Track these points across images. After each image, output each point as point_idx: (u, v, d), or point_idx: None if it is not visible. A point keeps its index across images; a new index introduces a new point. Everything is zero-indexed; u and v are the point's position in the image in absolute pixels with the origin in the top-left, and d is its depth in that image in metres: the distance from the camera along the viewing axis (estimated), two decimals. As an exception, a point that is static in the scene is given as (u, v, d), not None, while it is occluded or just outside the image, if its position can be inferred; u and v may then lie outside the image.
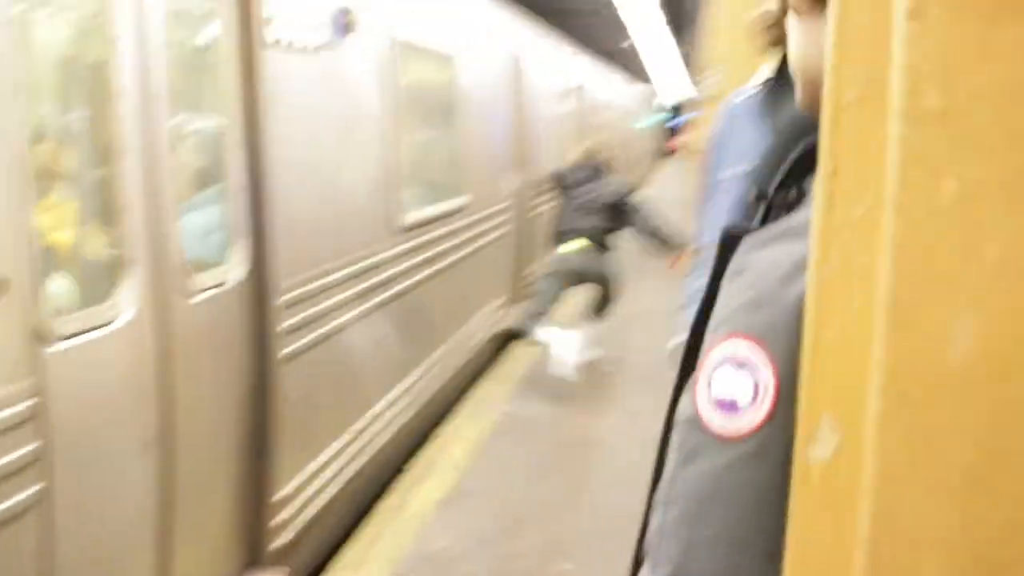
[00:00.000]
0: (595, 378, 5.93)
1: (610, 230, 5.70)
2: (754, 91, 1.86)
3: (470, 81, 5.71)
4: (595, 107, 13.26)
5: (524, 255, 7.53)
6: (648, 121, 31.17)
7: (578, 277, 5.71)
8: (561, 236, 5.73)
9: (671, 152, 47.80)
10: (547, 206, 8.16)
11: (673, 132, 47.10)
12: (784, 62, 1.29)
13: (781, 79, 1.75)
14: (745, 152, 1.73)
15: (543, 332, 5.62)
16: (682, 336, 0.89)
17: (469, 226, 5.67)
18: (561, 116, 9.43)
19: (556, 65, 9.23)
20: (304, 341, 3.19)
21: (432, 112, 4.87)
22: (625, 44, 21.01)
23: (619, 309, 6.14)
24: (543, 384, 5.76)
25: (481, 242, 6.00)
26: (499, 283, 6.68)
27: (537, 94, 8.06)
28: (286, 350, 3.05)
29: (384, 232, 3.94)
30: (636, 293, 7.23)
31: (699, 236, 2.10)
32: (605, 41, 21.27)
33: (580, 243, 5.65)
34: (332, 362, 3.46)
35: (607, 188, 5.76)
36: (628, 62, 26.58)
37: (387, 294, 3.98)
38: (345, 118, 3.60)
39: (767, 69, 1.85)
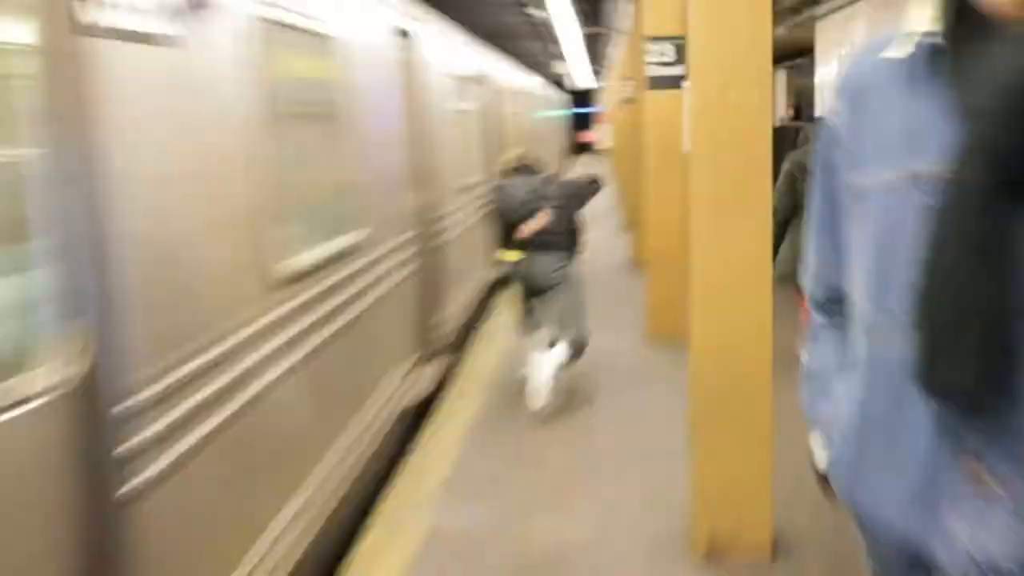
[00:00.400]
0: (558, 460, 5.56)
1: (564, 232, 6.41)
2: (902, 49, 1.49)
3: (356, 67, 5.36)
4: (499, 97, 13.23)
5: (430, 298, 7.24)
6: (556, 111, 31.42)
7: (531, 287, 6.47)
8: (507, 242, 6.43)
9: (585, 146, 48.25)
10: (455, 230, 7.95)
11: (585, 123, 47.53)
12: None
13: (962, 25, 1.37)
14: (901, 144, 1.45)
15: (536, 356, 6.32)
16: None
17: (368, 268, 5.27)
18: (462, 110, 9.30)
19: (451, 44, 9.06)
20: (154, 471, 2.73)
21: (311, 113, 4.56)
22: (522, 20, 20.88)
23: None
24: (479, 475, 5.33)
25: (383, 288, 5.61)
26: (405, 339, 6.28)
27: (434, 82, 7.83)
28: (129, 486, 2.58)
29: (254, 289, 3.57)
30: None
31: (828, 276, 1.76)
32: (500, 17, 21.13)
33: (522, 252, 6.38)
34: (196, 495, 2.99)
35: (550, 189, 6.47)
36: (527, 43, 26.58)
37: (262, 381, 3.61)
38: (200, 130, 3.17)
39: (918, 19, 1.46)
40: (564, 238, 6.43)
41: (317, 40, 4.69)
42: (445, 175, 8.02)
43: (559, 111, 33.99)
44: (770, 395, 4.06)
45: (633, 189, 12.06)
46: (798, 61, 26.15)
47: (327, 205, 4.88)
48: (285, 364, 3.83)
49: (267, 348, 3.66)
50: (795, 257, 6.13)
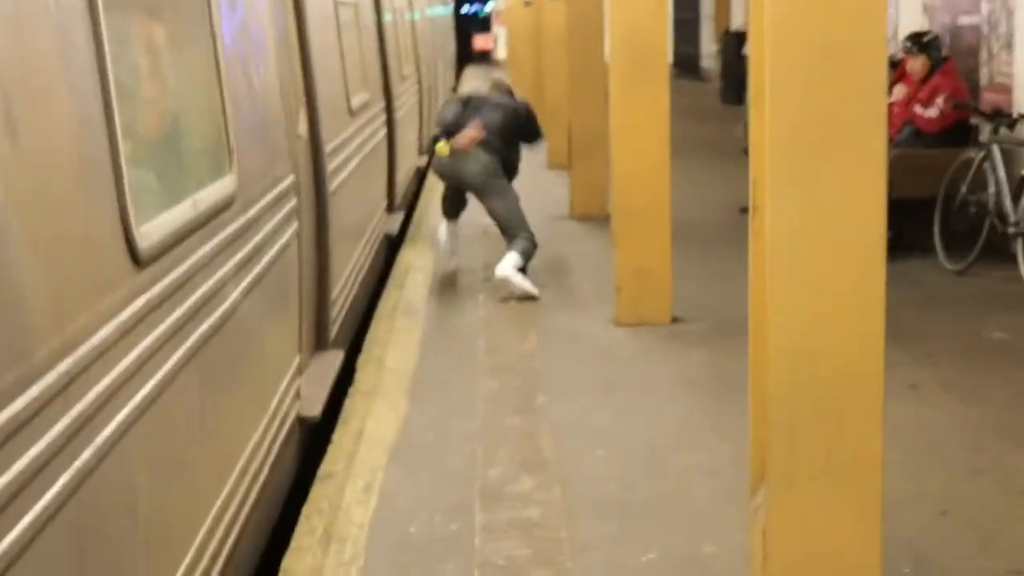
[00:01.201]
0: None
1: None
2: None
3: None
4: None
5: (321, 270, 6.47)
6: (441, 8, 30.53)
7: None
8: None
9: (483, 54, 47.36)
10: (347, 169, 7.45)
11: (479, 25, 46.66)
12: None
13: None
14: None
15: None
16: None
17: (240, 236, 4.30)
18: (349, 2, 8.82)
19: None
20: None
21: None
22: None
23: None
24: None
25: (260, 264, 4.65)
26: (286, 335, 5.35)
27: None
28: None
29: (95, 278, 2.94)
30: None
31: None
32: None
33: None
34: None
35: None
36: None
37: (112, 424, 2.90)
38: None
39: None
40: (496, 149, 8.55)
41: None
42: (332, 91, 7.10)
43: (446, 8, 32.96)
44: (881, 423, 3.63)
45: (559, 113, 13.07)
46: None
47: (180, 138, 4.08)
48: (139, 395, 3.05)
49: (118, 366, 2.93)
50: None
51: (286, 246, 5.33)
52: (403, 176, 11.94)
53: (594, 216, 10.85)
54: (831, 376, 3.62)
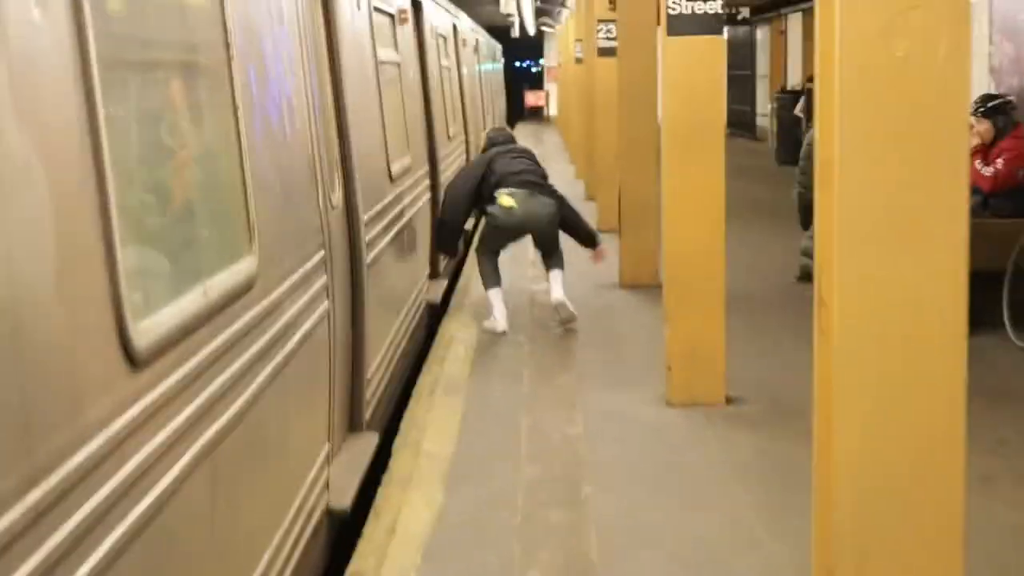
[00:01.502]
0: None
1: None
2: None
3: None
4: (439, 38, 12.85)
5: (355, 350, 6.19)
6: (493, 64, 30.46)
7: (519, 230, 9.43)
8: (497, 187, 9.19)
9: (535, 110, 47.24)
10: (386, 237, 7.28)
11: (531, 81, 46.65)
12: None
13: None
14: None
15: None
16: None
17: (260, 322, 4.06)
18: (387, 62, 8.51)
19: None
20: None
21: (167, 61, 3.68)
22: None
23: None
24: None
25: (283, 351, 4.40)
26: (315, 422, 5.10)
27: (353, 17, 6.94)
28: None
29: (79, 386, 2.65)
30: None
31: None
32: None
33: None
34: None
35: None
36: None
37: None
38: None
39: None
40: (547, 190, 9.34)
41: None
42: (371, 156, 6.94)
43: (496, 64, 32.92)
44: (962, 539, 3.41)
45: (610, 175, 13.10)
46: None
47: (190, 218, 3.79)
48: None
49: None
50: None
51: (315, 327, 5.08)
52: None
53: (645, 285, 10.58)
54: (906, 487, 3.38)
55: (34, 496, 2.24)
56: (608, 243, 11.06)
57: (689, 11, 6.78)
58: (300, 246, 4.93)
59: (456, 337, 9.06)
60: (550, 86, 40.53)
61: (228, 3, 3.95)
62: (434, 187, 10.57)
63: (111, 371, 2.73)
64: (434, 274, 10.38)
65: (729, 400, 7.07)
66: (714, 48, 6.90)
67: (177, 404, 3.11)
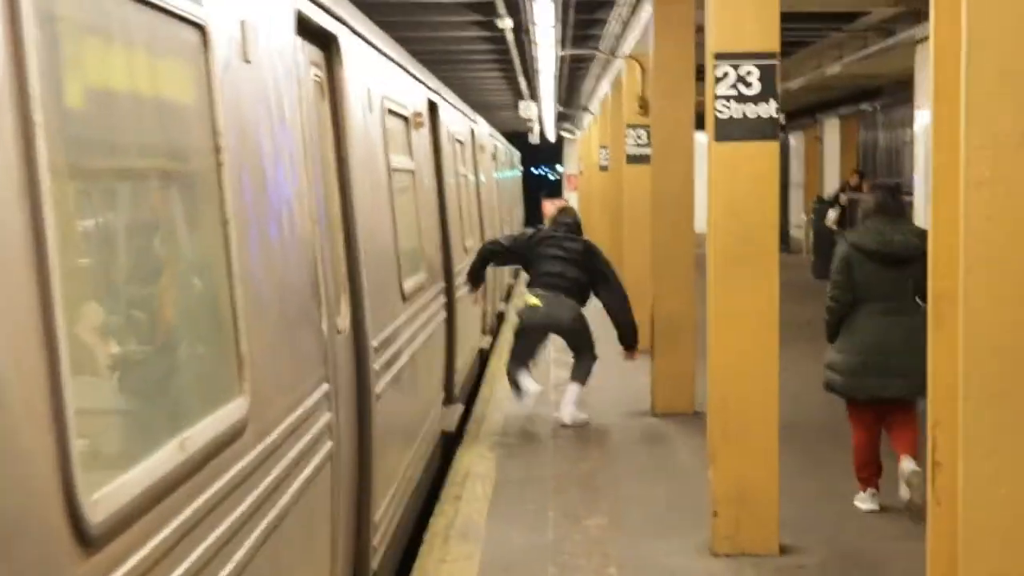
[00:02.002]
0: None
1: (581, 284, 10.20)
2: None
3: (237, 83, 3.90)
4: (456, 143, 12.73)
5: (364, 489, 5.77)
6: (512, 171, 30.40)
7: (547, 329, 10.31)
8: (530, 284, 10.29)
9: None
10: (397, 364, 6.87)
11: (549, 188, 46.72)
12: None
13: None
14: None
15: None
16: None
17: (250, 475, 3.61)
18: (400, 169, 8.18)
19: (387, 64, 7.99)
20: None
21: (152, 168, 3.37)
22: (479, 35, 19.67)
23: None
24: None
25: (278, 506, 3.94)
26: None
27: (365, 122, 6.63)
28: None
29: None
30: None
31: None
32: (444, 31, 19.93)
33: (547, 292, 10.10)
34: None
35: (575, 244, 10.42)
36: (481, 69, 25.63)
37: None
38: None
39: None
40: (574, 294, 10.09)
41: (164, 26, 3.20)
42: (381, 275, 6.56)
43: (514, 171, 32.88)
44: None
45: (641, 292, 12.34)
46: (863, 105, 25.15)
47: (172, 354, 3.37)
48: None
49: None
50: (858, 366, 7.26)
51: (316, 473, 4.61)
52: (464, 363, 11.38)
53: (680, 413, 10.11)
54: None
55: None
56: (640, 366, 10.65)
57: (740, 115, 6.46)
58: (300, 381, 4.47)
59: (472, 472, 8.58)
60: (569, 194, 40.51)
61: (218, 100, 3.55)
62: (450, 304, 10.21)
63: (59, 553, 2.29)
64: (449, 399, 9.94)
65: (783, 550, 6.53)
66: (767, 154, 6.55)
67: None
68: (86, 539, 2.36)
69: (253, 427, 3.62)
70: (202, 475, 3.13)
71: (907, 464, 6.93)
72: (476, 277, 10.96)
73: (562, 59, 21.12)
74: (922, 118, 11.25)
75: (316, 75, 5.44)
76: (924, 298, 6.61)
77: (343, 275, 5.67)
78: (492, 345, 15.05)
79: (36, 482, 2.23)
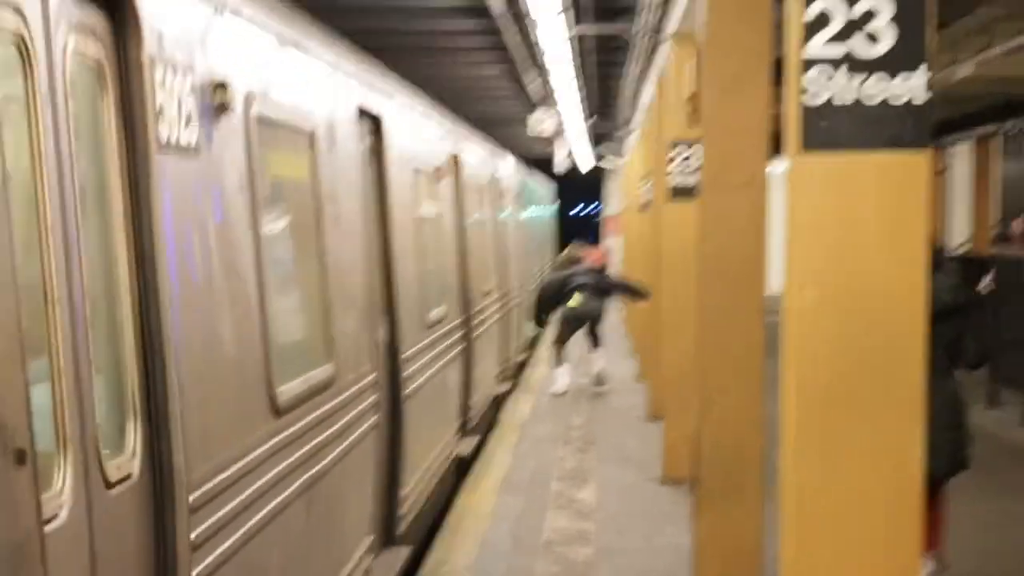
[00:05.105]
0: None
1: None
2: None
3: (331, 163, 6.93)
4: (478, 188, 15.01)
5: (395, 468, 8.84)
6: (541, 209, 31.71)
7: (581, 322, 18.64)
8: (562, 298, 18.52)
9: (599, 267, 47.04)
10: (420, 392, 9.59)
11: (586, 231, 46.58)
12: None
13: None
14: None
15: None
16: None
17: (329, 419, 6.94)
18: (427, 217, 10.99)
19: (419, 123, 10.65)
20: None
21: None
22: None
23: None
24: None
25: (347, 449, 7.07)
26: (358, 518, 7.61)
27: (400, 176, 9.39)
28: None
29: None
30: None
31: None
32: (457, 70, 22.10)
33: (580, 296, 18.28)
34: None
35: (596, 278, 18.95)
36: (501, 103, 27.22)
37: None
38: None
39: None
40: (598, 297, 18.80)
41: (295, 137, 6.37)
42: (410, 304, 9.60)
43: (545, 209, 32.95)
44: None
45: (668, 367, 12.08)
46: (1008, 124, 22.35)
47: (303, 329, 6.43)
48: None
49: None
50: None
51: (369, 431, 7.65)
52: (479, 399, 14.04)
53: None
54: None
55: None
56: (676, 497, 10.80)
57: (851, 98, 4.51)
58: (361, 364, 7.56)
59: (469, 511, 10.89)
60: (610, 241, 39.27)
61: (318, 175, 6.72)
62: (467, 339, 12.94)
63: (265, 414, 5.57)
64: (464, 428, 12.82)
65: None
66: (911, 178, 4.63)
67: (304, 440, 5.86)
68: (277, 410, 5.52)
69: (336, 384, 6.77)
70: (316, 399, 6.31)
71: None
72: (543, 313, 18.95)
73: (582, 45, 17.96)
74: None
75: (364, 140, 8.25)
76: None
77: (382, 301, 8.66)
78: (508, 391, 17.77)
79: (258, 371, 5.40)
